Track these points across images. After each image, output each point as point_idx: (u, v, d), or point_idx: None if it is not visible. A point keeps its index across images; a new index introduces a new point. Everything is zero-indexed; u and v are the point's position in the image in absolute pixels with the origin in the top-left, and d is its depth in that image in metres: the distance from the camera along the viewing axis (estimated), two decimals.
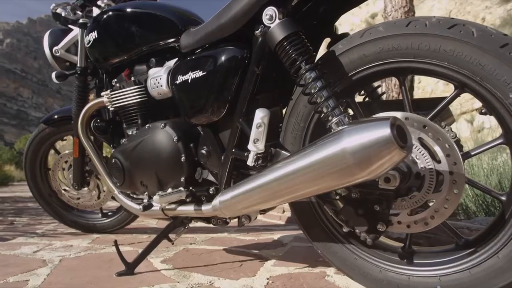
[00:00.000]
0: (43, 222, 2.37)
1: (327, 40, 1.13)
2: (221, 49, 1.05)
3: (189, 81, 1.11)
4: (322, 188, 0.78)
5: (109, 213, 2.00)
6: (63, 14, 1.58)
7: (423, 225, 0.84)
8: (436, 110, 0.85)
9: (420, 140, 0.82)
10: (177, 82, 1.15)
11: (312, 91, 0.84)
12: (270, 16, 0.88)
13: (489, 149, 0.83)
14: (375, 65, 0.86)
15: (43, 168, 1.96)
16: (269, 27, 0.88)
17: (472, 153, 0.84)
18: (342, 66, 0.91)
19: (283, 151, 0.94)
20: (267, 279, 1.18)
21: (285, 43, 0.86)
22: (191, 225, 1.39)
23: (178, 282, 1.15)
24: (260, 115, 0.89)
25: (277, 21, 0.87)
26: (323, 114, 0.83)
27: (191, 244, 1.75)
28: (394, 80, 3.32)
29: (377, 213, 0.85)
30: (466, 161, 2.05)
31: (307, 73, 0.84)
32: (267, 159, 0.94)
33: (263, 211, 1.31)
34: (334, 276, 1.18)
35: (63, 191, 1.92)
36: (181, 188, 1.15)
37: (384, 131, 0.65)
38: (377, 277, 0.94)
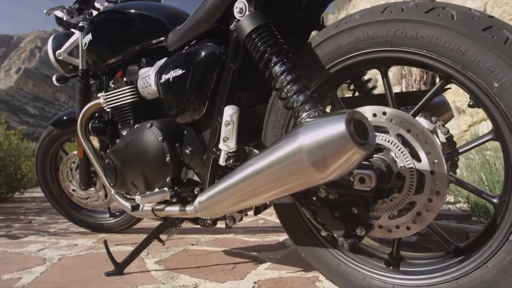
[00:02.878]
0: (59, 221, 2.44)
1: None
2: (199, 46, 1.03)
3: (170, 79, 1.09)
4: (289, 189, 0.73)
5: (116, 213, 2.03)
6: (64, 18, 1.62)
7: (405, 229, 0.77)
8: (420, 105, 0.77)
9: (399, 137, 0.75)
10: (161, 81, 1.14)
11: (281, 86, 0.79)
12: (240, 9, 0.84)
13: (479, 146, 0.74)
14: (351, 56, 0.80)
15: (53, 169, 2.03)
16: (240, 20, 0.85)
17: (460, 151, 0.76)
18: (318, 59, 0.85)
19: (255, 150, 0.90)
20: (254, 283, 1.14)
21: (253, 36, 0.82)
22: (197, 225, 1.37)
23: (163, 283, 1.13)
24: (229, 113, 0.86)
25: (247, 13, 0.83)
26: (293, 110, 0.78)
27: (192, 244, 1.73)
28: (415, 76, 3.16)
29: (355, 216, 0.79)
30: (479, 158, 1.90)
31: (276, 66, 0.79)
32: (241, 158, 0.90)
33: (256, 212, 1.26)
34: (325, 281, 1.12)
35: (71, 191, 1.97)
36: (165, 189, 1.13)
37: (339, 127, 0.59)
38: (361, 285, 0.87)
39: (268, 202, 1.12)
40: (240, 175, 0.78)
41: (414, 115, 0.78)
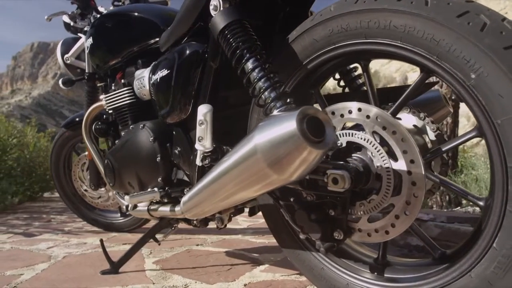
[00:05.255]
0: (77, 220, 2.52)
1: None
2: (183, 46, 1.02)
3: (158, 80, 1.09)
4: (257, 190, 0.70)
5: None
6: (71, 24, 1.67)
7: (384, 234, 0.72)
8: (400, 101, 0.72)
9: (376, 134, 0.70)
10: (152, 81, 1.15)
11: (252, 82, 0.76)
12: (215, 6, 0.83)
13: (462, 143, 0.68)
14: (327, 50, 0.76)
15: (67, 169, 2.10)
16: (213, 17, 0.83)
17: (443, 149, 0.70)
18: (295, 55, 0.82)
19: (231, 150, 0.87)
20: (244, 285, 1.12)
21: (226, 32, 0.80)
22: (189, 226, 1.37)
23: (154, 283, 1.13)
24: (202, 112, 0.84)
25: (220, 10, 0.81)
26: (264, 107, 0.75)
27: (197, 245, 1.73)
28: None
29: (333, 219, 0.75)
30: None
31: (248, 63, 0.77)
32: (218, 159, 0.88)
33: (251, 213, 1.24)
34: None
35: (83, 191, 2.03)
36: (155, 189, 1.13)
37: (290, 126, 0.55)
38: None
39: None
40: (211, 176, 0.76)
41: (395, 112, 0.73)
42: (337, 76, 1.03)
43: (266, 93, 0.74)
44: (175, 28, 1.03)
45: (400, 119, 0.83)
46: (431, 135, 0.81)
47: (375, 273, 0.80)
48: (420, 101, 0.90)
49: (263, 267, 1.32)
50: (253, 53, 0.77)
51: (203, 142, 0.85)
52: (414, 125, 0.82)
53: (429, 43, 0.61)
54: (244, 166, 0.64)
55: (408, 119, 0.83)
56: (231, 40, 0.79)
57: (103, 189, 1.96)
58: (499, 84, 0.54)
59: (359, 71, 1.05)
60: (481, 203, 0.65)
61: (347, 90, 1.03)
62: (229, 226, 2.30)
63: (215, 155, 0.88)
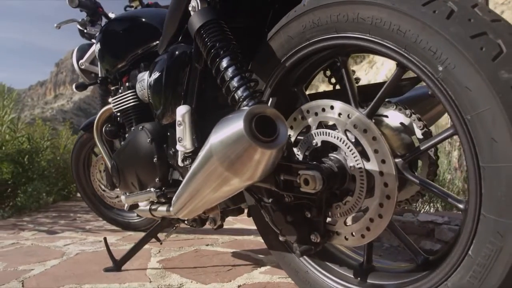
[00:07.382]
0: (99, 219, 2.63)
1: None
2: (173, 47, 1.04)
3: (152, 81, 1.11)
4: (229, 190, 0.69)
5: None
6: (85, 31, 1.75)
7: (360, 237, 0.68)
8: (376, 99, 0.68)
9: (348, 133, 0.67)
10: (148, 83, 1.17)
11: (225, 81, 0.75)
12: (193, 7, 0.83)
13: (440, 142, 0.63)
14: (302, 47, 0.74)
15: (86, 171, 2.19)
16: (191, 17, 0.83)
17: (422, 148, 0.65)
18: (273, 53, 0.80)
19: None
20: (238, 286, 1.11)
21: (201, 32, 0.79)
22: (187, 226, 1.39)
23: (150, 282, 1.16)
24: (181, 113, 0.84)
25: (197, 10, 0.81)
26: (237, 107, 0.74)
27: (207, 245, 1.75)
28: None
29: (310, 221, 0.73)
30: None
31: (222, 62, 0.76)
32: None
33: (249, 214, 1.23)
34: None
35: (102, 192, 2.11)
36: (152, 189, 1.16)
37: (237, 126, 0.54)
38: None
39: None
40: (187, 178, 0.76)
41: (373, 110, 0.69)
42: (328, 73, 0.99)
43: (239, 91, 0.73)
44: (165, 30, 1.05)
45: (386, 116, 0.79)
46: (418, 132, 0.76)
47: (358, 279, 0.77)
48: (413, 97, 0.85)
49: (264, 268, 1.30)
50: (227, 52, 0.76)
51: (183, 143, 0.85)
52: (401, 123, 0.78)
53: (396, 34, 0.57)
54: (206, 168, 0.64)
55: (394, 116, 0.78)
56: (206, 39, 0.79)
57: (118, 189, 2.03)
58: (466, 76, 0.50)
59: (354, 68, 1.01)
60: (461, 206, 0.60)
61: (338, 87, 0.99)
62: (244, 226, 2.32)
63: (197, 156, 0.87)
